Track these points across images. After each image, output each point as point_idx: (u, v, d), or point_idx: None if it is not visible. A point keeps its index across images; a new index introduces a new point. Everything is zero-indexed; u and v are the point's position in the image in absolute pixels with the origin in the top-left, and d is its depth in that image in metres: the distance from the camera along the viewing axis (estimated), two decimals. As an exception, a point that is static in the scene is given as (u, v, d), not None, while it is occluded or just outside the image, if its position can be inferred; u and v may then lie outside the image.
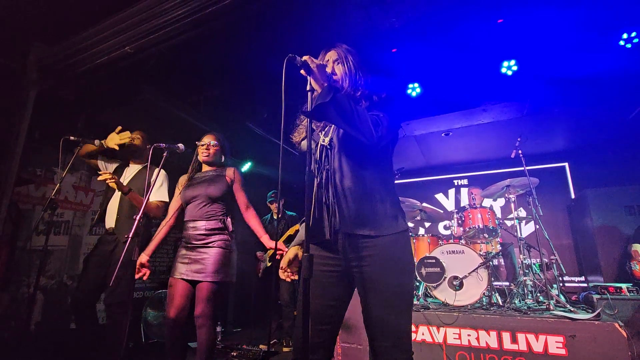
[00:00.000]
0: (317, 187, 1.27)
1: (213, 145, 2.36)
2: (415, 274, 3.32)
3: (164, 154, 2.06)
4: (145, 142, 2.69)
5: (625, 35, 2.95)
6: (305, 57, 1.24)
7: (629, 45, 2.95)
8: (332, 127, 1.40)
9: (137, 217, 1.77)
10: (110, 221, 2.48)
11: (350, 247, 1.26)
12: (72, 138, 2.47)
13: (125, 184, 2.52)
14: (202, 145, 2.34)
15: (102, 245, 2.45)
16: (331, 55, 1.45)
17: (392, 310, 1.20)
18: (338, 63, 1.43)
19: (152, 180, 2.52)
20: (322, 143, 1.36)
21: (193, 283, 2.13)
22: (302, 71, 1.25)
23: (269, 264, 3.99)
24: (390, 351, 1.19)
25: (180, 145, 2.19)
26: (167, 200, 2.54)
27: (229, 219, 2.27)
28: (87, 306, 2.37)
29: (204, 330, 2.05)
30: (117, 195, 2.51)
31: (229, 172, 2.36)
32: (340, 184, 1.29)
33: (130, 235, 1.71)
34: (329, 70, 1.37)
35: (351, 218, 1.25)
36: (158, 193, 2.53)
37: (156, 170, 2.56)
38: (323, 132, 1.41)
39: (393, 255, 1.23)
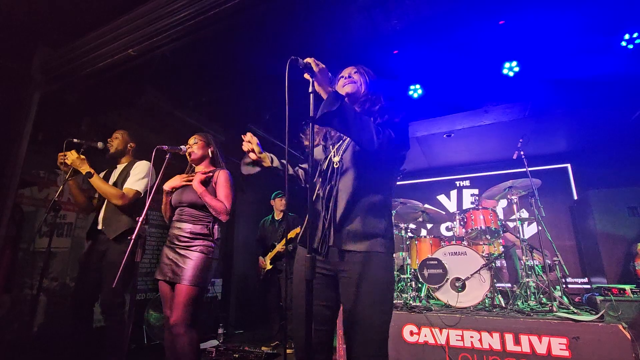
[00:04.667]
0: (317, 199, 1.37)
1: (196, 144, 2.32)
2: (418, 275, 3.32)
3: (167, 156, 2.07)
4: (127, 140, 2.69)
5: (627, 36, 2.95)
6: (308, 59, 1.24)
7: (630, 47, 2.95)
8: (344, 145, 1.45)
9: (140, 219, 1.77)
10: (100, 220, 2.46)
11: (338, 258, 1.32)
12: (75, 140, 2.48)
13: (111, 183, 2.51)
14: (187, 145, 2.30)
15: (96, 246, 2.43)
16: (350, 69, 1.56)
17: (367, 318, 1.24)
18: (356, 72, 1.54)
19: (131, 170, 2.53)
20: (333, 160, 1.43)
21: (173, 284, 2.07)
22: (305, 75, 1.26)
23: (269, 267, 3.99)
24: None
25: (183, 147, 2.22)
26: (138, 190, 2.45)
27: (216, 226, 2.20)
28: (87, 307, 2.36)
29: (181, 339, 1.92)
30: None
31: (215, 176, 2.27)
32: (339, 201, 1.35)
33: (133, 237, 1.71)
34: (345, 74, 1.52)
35: (341, 234, 1.31)
36: (131, 181, 2.47)
37: (138, 162, 2.57)
38: (335, 148, 1.47)
39: (374, 271, 1.28)
